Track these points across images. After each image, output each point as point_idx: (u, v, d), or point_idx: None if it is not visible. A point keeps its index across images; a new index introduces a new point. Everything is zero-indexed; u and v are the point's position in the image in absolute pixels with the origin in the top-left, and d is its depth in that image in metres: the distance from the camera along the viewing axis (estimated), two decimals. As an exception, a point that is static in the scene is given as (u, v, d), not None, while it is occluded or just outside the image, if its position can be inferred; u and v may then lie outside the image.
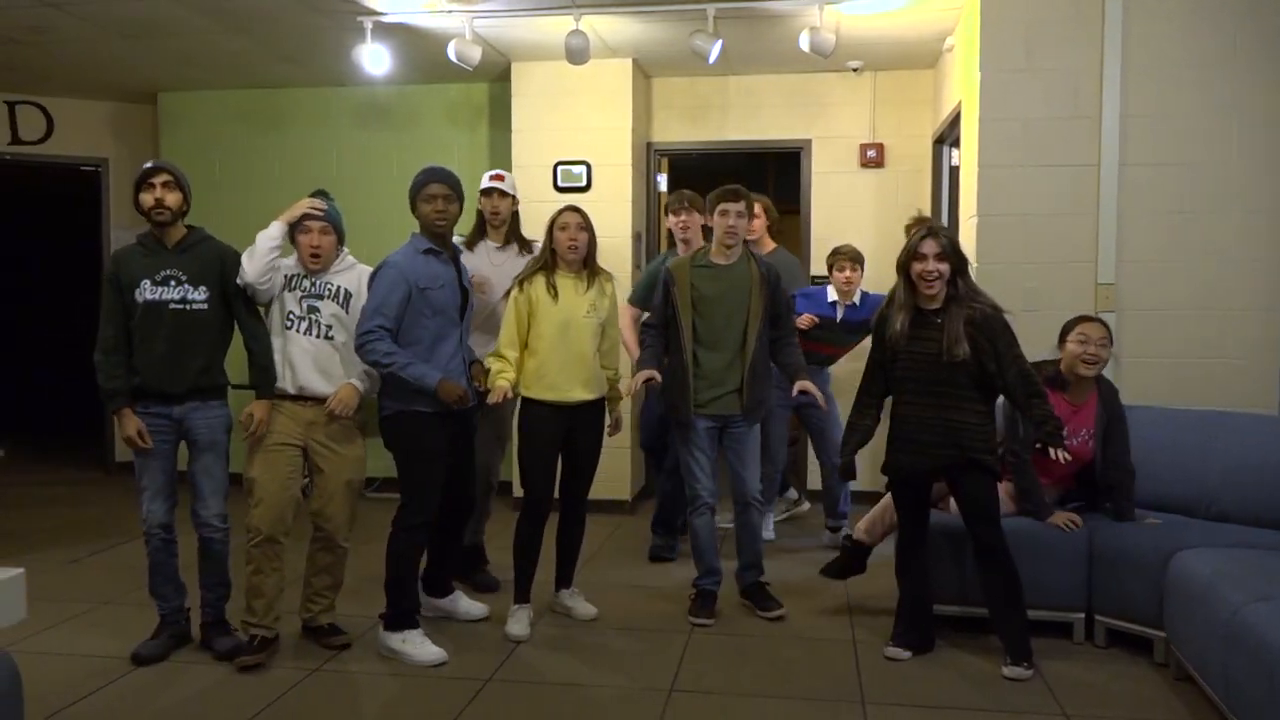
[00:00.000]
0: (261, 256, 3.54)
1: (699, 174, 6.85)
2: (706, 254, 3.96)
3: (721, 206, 3.89)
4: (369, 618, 3.93)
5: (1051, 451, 3.32)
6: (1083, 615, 3.67)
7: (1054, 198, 4.42)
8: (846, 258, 4.83)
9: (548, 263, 3.82)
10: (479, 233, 4.37)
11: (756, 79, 6.15)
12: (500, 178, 4.33)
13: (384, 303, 3.47)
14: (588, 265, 3.84)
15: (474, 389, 3.70)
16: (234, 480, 3.64)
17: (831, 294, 4.87)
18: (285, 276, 3.62)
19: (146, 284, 3.53)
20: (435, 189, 3.62)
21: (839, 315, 4.84)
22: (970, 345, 3.32)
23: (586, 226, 3.82)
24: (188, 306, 3.55)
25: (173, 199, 3.55)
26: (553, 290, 3.77)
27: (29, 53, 5.78)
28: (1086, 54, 4.38)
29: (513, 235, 4.37)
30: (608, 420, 3.97)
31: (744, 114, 6.17)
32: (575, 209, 3.86)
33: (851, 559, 4.02)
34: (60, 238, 9.27)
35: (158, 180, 3.55)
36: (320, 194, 3.70)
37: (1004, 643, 3.44)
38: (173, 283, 3.54)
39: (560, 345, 3.76)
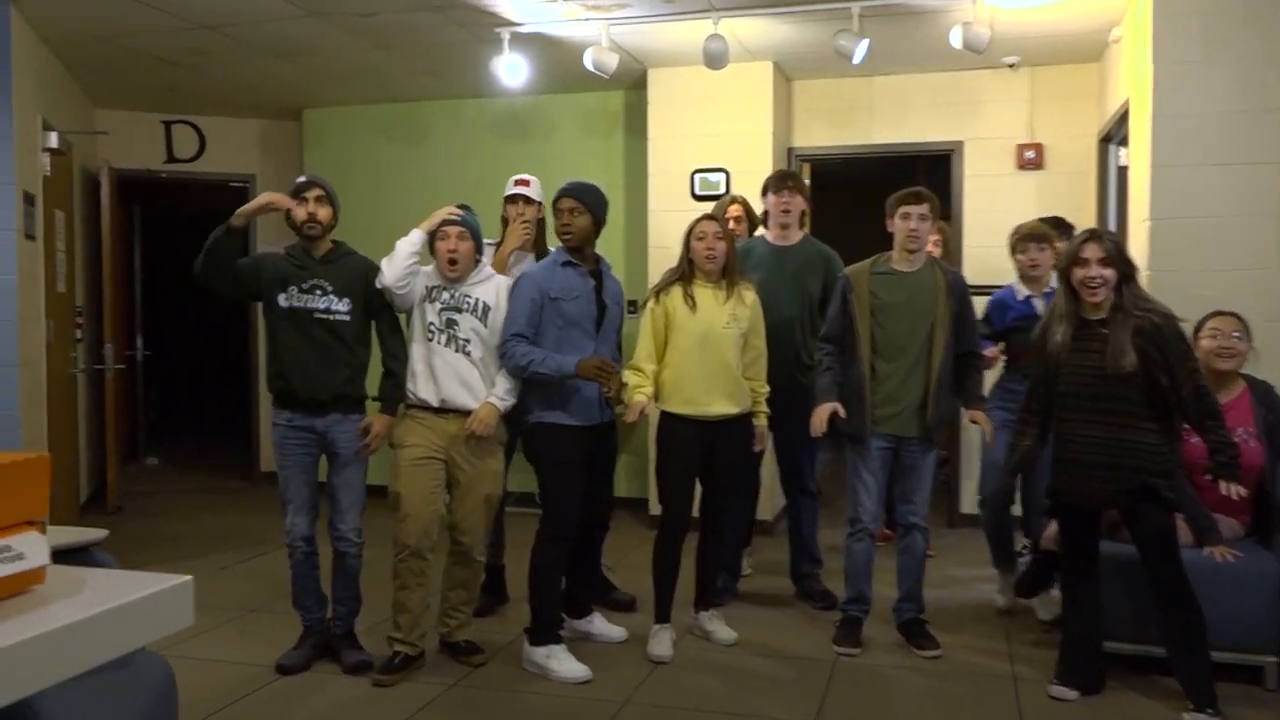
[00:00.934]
0: (401, 261, 3.61)
1: (842, 179, 6.74)
2: (887, 260, 3.86)
3: (903, 209, 3.79)
4: (511, 633, 4.00)
5: (1223, 486, 3.12)
6: (1275, 659, 3.46)
7: (1233, 198, 4.22)
8: (1030, 237, 4.31)
9: (685, 273, 3.83)
10: (501, 240, 4.35)
11: (903, 79, 6.03)
12: (525, 183, 4.31)
13: (517, 311, 3.60)
14: (726, 275, 3.83)
15: (607, 403, 3.72)
16: (371, 493, 3.74)
17: (1021, 289, 4.36)
18: (425, 288, 3.70)
19: (294, 290, 3.64)
20: (562, 202, 3.72)
21: (1039, 309, 4.26)
22: (1139, 357, 3.17)
23: (724, 235, 3.82)
24: (331, 316, 3.64)
25: (324, 213, 3.68)
26: (690, 301, 3.78)
27: (186, 75, 6.14)
28: (1270, 42, 4.17)
29: (537, 245, 4.33)
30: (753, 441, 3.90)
31: (890, 116, 6.07)
32: (713, 217, 3.87)
33: (1040, 571, 3.82)
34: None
35: (311, 195, 3.67)
36: (462, 208, 3.78)
37: (1184, 687, 3.25)
38: (318, 292, 3.64)
39: (699, 357, 3.75)
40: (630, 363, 3.83)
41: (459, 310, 3.67)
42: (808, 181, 6.29)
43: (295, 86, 6.45)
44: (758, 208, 4.77)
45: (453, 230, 3.67)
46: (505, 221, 4.33)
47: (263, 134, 7.39)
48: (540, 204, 4.35)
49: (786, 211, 4.45)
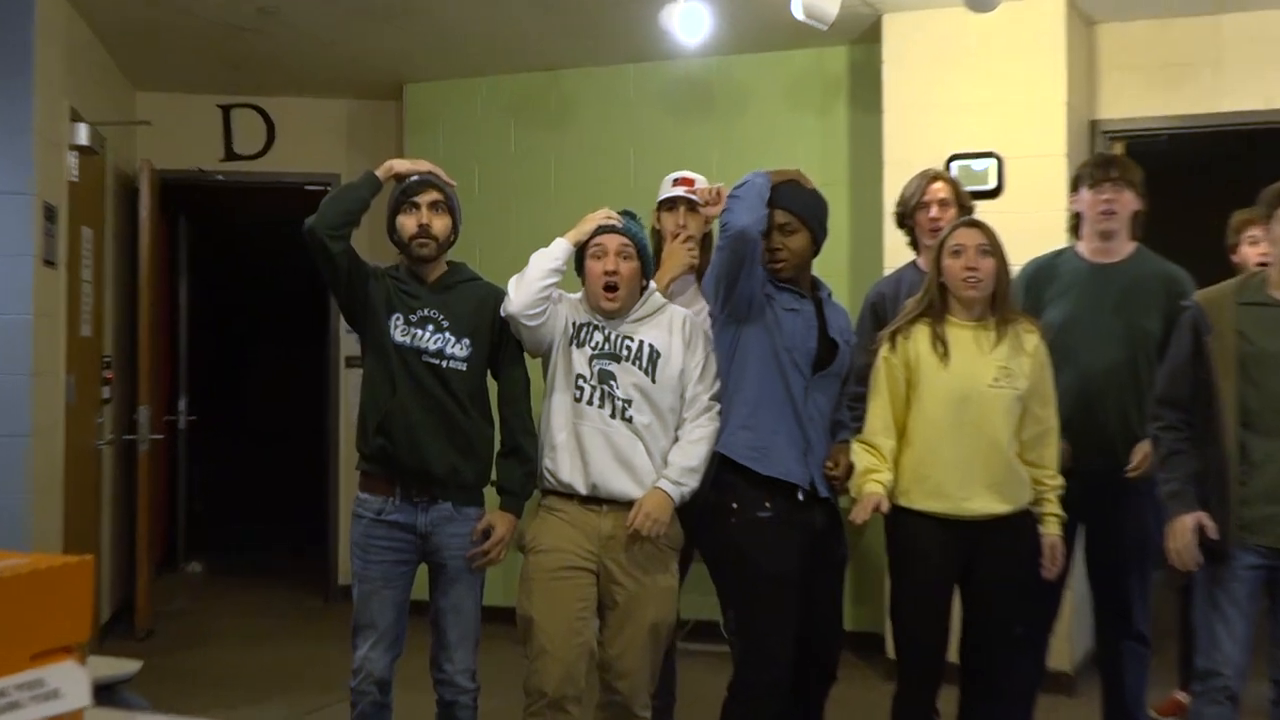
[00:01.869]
0: (535, 280, 3.72)
1: (1171, 165, 6.55)
2: (1261, 283, 3.74)
3: None
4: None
5: None
6: None
7: None
8: None
9: (934, 304, 3.87)
10: (655, 261, 4.41)
11: (1272, 17, 5.88)
12: (688, 182, 4.40)
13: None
14: (996, 307, 3.84)
15: (829, 488, 3.80)
16: (488, 617, 3.87)
17: None
18: (571, 324, 3.81)
19: (399, 320, 3.81)
20: (776, 215, 3.79)
21: None
22: None
23: (993, 249, 3.83)
24: (445, 363, 3.80)
25: (440, 225, 3.86)
26: (941, 346, 3.81)
27: (250, 44, 6.46)
28: None
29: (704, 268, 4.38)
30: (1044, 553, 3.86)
31: (1248, 72, 5.94)
32: (975, 224, 3.90)
33: None
34: (281, 280, 10.23)
35: (424, 200, 3.85)
36: (625, 215, 3.90)
37: None
38: (430, 327, 3.81)
39: (953, 430, 3.77)
40: (860, 436, 3.86)
41: (616, 358, 3.76)
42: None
43: (393, 56, 6.72)
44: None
45: (611, 243, 3.77)
46: (659, 236, 4.43)
47: (350, 119, 7.74)
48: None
49: (1110, 213, 4.39)
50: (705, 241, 4.40)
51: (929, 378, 3.79)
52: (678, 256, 4.28)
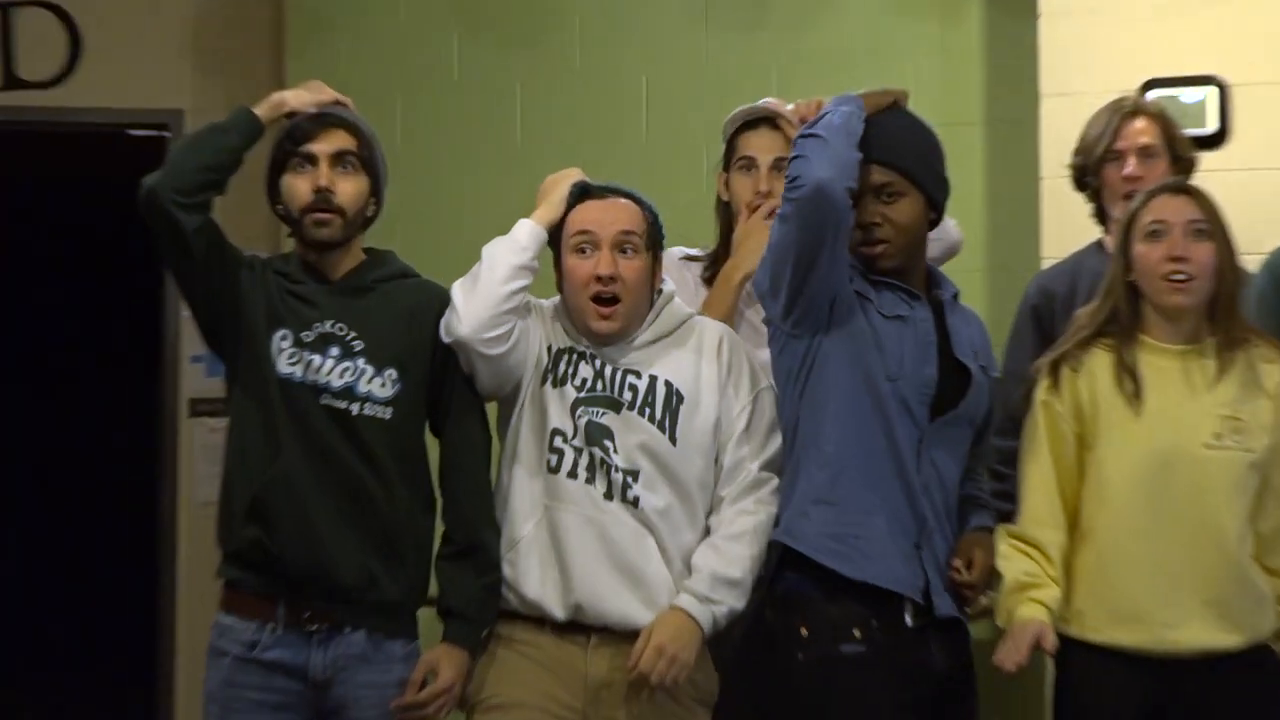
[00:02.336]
0: (494, 286, 3.77)
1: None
2: None
3: None
4: None
5: None
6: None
7: None
8: None
9: (1120, 315, 3.92)
10: (723, 249, 4.59)
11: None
12: (774, 116, 4.55)
13: None
14: (1219, 322, 3.88)
15: (957, 602, 3.88)
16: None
17: None
18: (548, 352, 3.85)
19: (287, 341, 3.87)
20: (871, 171, 3.84)
21: None
22: None
23: (1212, 230, 3.88)
24: (357, 408, 3.86)
25: (351, 190, 3.91)
26: (1131, 382, 3.86)
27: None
28: None
29: None
30: None
31: None
32: (1185, 189, 3.99)
33: None
34: (88, 274, 10.20)
35: (324, 149, 3.90)
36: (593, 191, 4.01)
37: None
38: (335, 352, 3.87)
39: (1152, 515, 3.79)
40: (1008, 528, 3.93)
41: (615, 405, 3.82)
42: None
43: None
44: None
45: (604, 224, 3.86)
46: (725, 208, 4.61)
47: (199, 26, 7.68)
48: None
49: None
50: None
51: (1113, 432, 3.83)
52: (758, 236, 4.30)
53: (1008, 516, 4.01)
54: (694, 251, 4.61)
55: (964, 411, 3.89)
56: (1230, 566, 3.77)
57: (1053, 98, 6.01)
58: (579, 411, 3.77)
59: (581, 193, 3.87)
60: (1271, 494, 3.86)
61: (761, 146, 4.44)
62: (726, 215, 4.52)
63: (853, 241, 3.81)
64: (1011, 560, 3.82)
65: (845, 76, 6.28)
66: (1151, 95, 5.81)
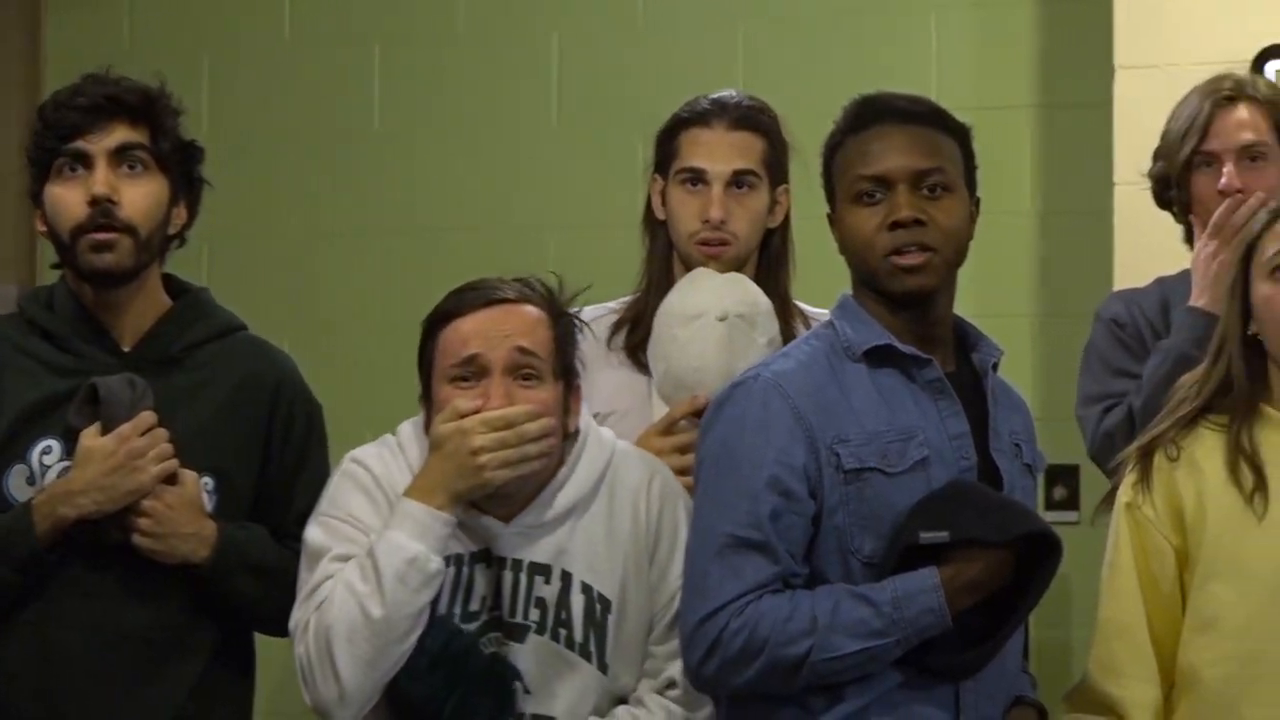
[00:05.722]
0: (393, 646, 3.81)
1: None
2: None
3: None
4: None
5: None
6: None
7: None
8: None
9: (1235, 383, 3.90)
10: (662, 283, 4.74)
11: None
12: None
13: (733, 507, 3.81)
14: None
15: None
16: None
17: None
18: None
19: (50, 456, 3.99)
20: (884, 156, 3.88)
21: None
22: None
23: None
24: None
25: (141, 197, 3.99)
26: (1253, 475, 3.82)
27: None
28: None
29: (767, 292, 4.72)
30: None
31: None
32: None
33: None
34: None
35: (100, 145, 3.94)
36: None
37: None
38: None
39: None
40: (1087, 683, 3.94)
41: (515, 631, 3.93)
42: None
43: None
44: None
45: (493, 345, 3.89)
46: (659, 229, 4.78)
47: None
48: (775, 170, 4.75)
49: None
50: (773, 243, 4.81)
51: (1226, 546, 3.78)
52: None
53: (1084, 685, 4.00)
54: (612, 305, 4.70)
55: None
56: None
57: (1130, 73, 6.10)
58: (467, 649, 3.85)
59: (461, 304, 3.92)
60: None
61: (716, 154, 4.55)
62: (661, 240, 4.64)
63: (879, 249, 3.89)
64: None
65: (836, 45, 6.38)
66: (1269, 70, 5.90)
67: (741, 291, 4.63)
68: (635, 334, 4.67)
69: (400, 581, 3.73)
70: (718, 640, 3.70)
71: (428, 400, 3.92)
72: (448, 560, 3.84)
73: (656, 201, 4.74)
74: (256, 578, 4.05)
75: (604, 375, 4.45)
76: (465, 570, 3.86)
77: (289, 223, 6.72)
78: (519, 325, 3.86)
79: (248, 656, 4.20)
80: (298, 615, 3.82)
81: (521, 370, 3.83)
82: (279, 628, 4.03)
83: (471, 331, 3.83)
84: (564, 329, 3.93)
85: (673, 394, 4.52)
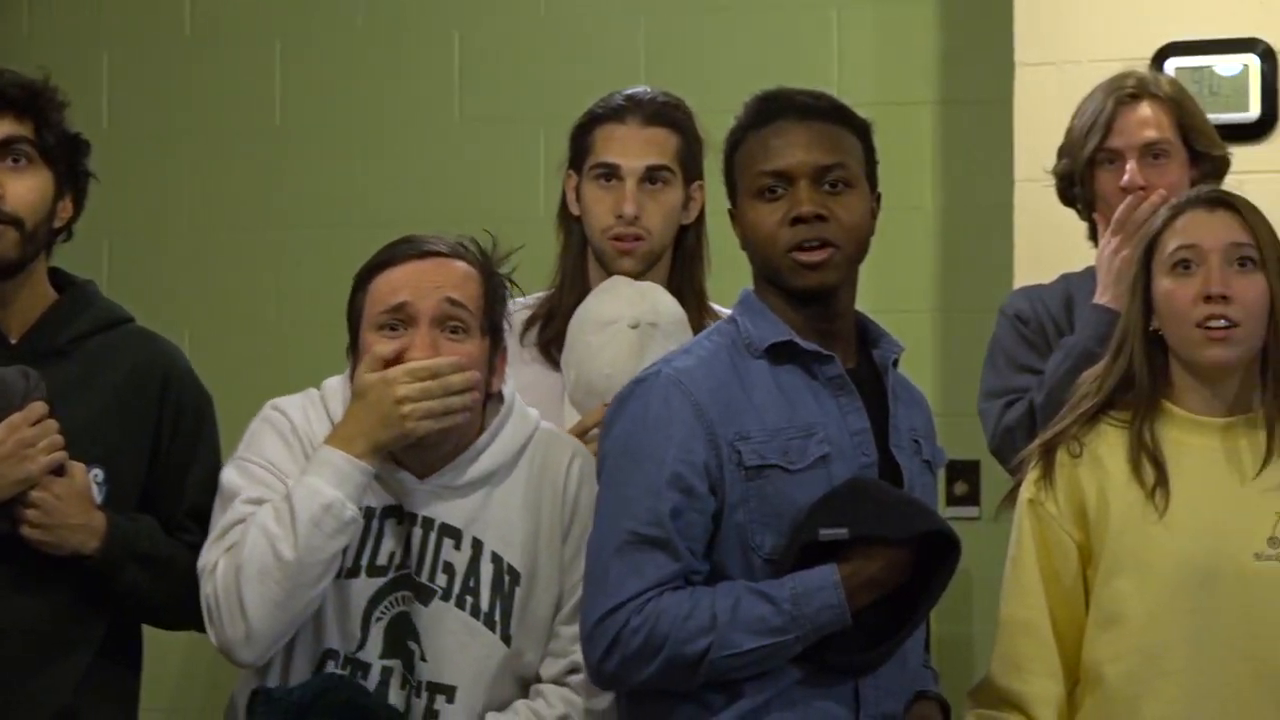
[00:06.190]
0: (305, 591, 3.82)
1: None
2: None
3: None
4: None
5: None
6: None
7: None
8: None
9: (1137, 380, 3.96)
10: (576, 280, 4.88)
11: None
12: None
13: (635, 503, 3.83)
14: (1269, 376, 3.95)
15: None
16: None
17: None
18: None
19: None
20: (786, 152, 3.92)
21: None
22: None
23: (1257, 252, 3.95)
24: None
25: (25, 190, 3.99)
26: (1152, 467, 3.89)
27: None
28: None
29: (681, 287, 4.88)
30: None
31: None
32: (1224, 201, 4.05)
33: None
34: None
35: None
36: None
37: None
38: None
39: (1185, 650, 3.83)
40: (990, 679, 4.00)
41: (425, 593, 3.95)
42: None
43: None
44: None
45: (422, 295, 3.92)
46: (573, 226, 4.91)
47: None
48: (690, 166, 4.87)
49: None
50: (686, 240, 4.93)
51: (1128, 542, 3.83)
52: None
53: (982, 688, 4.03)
54: (525, 300, 4.72)
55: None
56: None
57: (1030, 70, 6.15)
58: (378, 608, 3.87)
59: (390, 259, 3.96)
60: None
61: (630, 150, 4.62)
62: (575, 236, 4.70)
63: (781, 244, 3.92)
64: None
65: (738, 35, 6.38)
66: (1169, 67, 5.91)
67: (655, 300, 4.68)
68: (548, 330, 4.76)
69: (315, 526, 3.72)
70: (618, 637, 3.71)
71: (355, 351, 3.96)
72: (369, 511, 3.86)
73: (571, 197, 4.82)
74: (146, 569, 4.04)
75: (516, 371, 4.40)
76: (375, 523, 3.88)
77: (191, 219, 6.71)
78: (450, 278, 3.91)
79: (135, 651, 4.20)
80: (207, 556, 3.83)
81: (449, 322, 3.86)
82: (169, 620, 4.24)
83: (402, 281, 3.88)
84: (494, 287, 3.98)
85: (584, 400, 4.57)
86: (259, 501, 3.80)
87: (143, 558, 4.00)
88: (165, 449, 4.02)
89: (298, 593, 3.72)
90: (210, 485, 3.88)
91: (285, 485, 3.80)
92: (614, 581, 3.73)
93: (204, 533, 3.98)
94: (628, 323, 4.61)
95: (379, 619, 3.83)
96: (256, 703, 3.81)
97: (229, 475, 3.90)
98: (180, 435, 4.12)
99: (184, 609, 3.91)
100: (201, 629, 3.86)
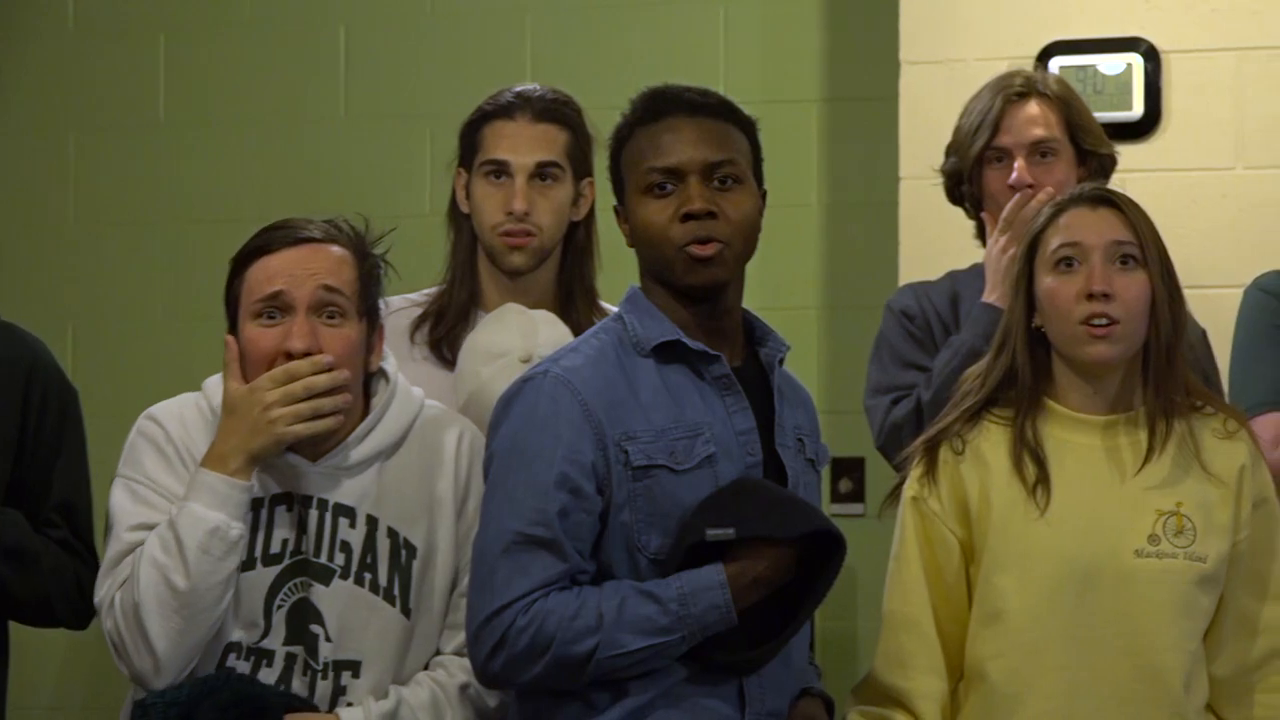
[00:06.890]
0: (206, 614, 3.80)
1: None
2: None
3: None
4: None
5: None
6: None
7: None
8: None
9: (1019, 378, 4.00)
10: (466, 277, 4.88)
11: None
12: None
13: (522, 504, 3.81)
14: (1153, 383, 3.96)
15: None
16: None
17: None
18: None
19: None
20: (675, 148, 3.92)
21: None
22: None
23: (1140, 250, 3.97)
24: None
25: None
26: (1033, 464, 3.93)
27: None
28: None
29: (571, 284, 4.89)
30: None
31: None
32: (1105, 199, 4.07)
33: None
34: None
35: None
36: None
37: None
38: None
39: (1064, 647, 3.87)
40: (873, 675, 4.02)
41: (324, 573, 3.94)
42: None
43: None
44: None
45: (298, 282, 3.90)
46: (463, 222, 4.89)
47: None
48: (580, 162, 4.89)
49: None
50: (576, 238, 4.93)
51: (1010, 539, 3.86)
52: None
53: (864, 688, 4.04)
54: (415, 297, 4.77)
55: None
56: (1170, 701, 3.82)
57: (916, 69, 6.19)
58: (278, 599, 3.85)
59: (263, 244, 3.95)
60: (1231, 620, 3.89)
61: (519, 146, 4.63)
62: (465, 233, 4.69)
63: (673, 240, 3.93)
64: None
65: (625, 32, 6.38)
66: (1053, 66, 5.94)
67: (547, 331, 4.65)
68: (439, 329, 4.76)
69: (203, 552, 3.70)
70: (504, 637, 3.72)
71: (235, 335, 3.93)
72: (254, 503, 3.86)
73: (460, 195, 4.83)
74: (11, 563, 4.09)
75: (406, 369, 4.36)
76: (264, 513, 3.87)
77: (72, 213, 6.64)
78: (325, 264, 3.89)
79: (1, 646, 4.21)
80: (102, 591, 3.80)
81: (326, 308, 3.84)
82: (33, 616, 4.30)
83: (278, 269, 3.85)
84: (369, 269, 3.97)
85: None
86: (147, 527, 3.78)
87: (7, 551, 4.00)
88: (31, 443, 4.04)
89: (198, 617, 3.71)
90: (77, 479, 3.94)
91: (169, 503, 3.78)
92: (501, 581, 3.73)
93: (70, 528, 4.17)
94: (519, 355, 4.58)
95: (280, 606, 3.82)
96: (135, 717, 3.78)
97: (116, 498, 3.86)
98: (45, 429, 4.14)
99: (49, 605, 3.93)
100: (67, 625, 3.91)
